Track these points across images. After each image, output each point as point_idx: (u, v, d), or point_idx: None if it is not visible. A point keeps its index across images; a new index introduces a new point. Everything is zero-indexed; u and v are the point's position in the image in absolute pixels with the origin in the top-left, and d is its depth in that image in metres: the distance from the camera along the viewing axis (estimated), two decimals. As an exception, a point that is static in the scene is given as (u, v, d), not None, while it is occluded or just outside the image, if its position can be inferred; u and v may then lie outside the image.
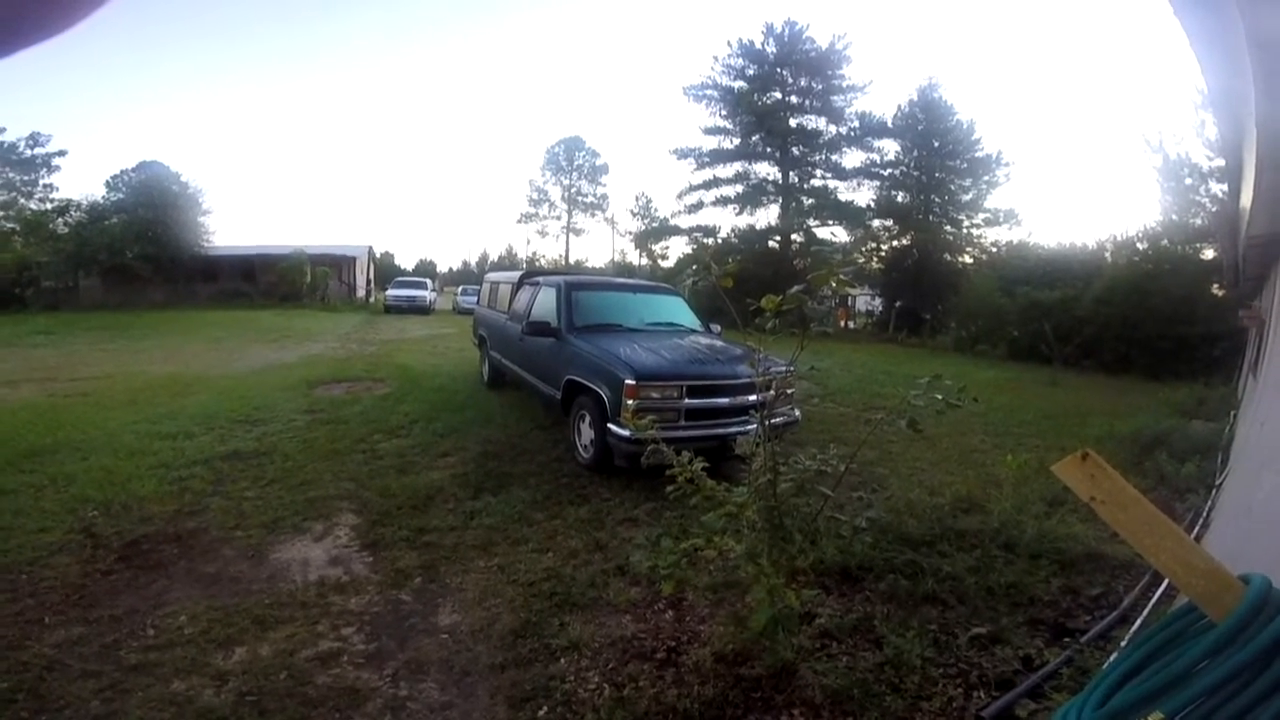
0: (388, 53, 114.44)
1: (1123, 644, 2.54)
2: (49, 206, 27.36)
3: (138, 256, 26.21)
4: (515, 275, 8.22)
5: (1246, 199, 3.31)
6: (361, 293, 35.25)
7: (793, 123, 30.11)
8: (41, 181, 28.17)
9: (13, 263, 23.67)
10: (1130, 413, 7.94)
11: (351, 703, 2.32)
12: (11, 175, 27.35)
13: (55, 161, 28.44)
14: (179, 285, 28.07)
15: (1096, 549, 3.65)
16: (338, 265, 32.32)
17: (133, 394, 7.53)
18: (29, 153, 27.70)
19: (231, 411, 6.67)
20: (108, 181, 29.07)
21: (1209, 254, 15.45)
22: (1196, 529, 3.99)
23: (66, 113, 72.98)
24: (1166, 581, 2.82)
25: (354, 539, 3.74)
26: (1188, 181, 16.83)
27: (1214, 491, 4.57)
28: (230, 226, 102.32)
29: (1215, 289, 14.25)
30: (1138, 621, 2.81)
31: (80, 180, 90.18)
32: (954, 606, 3.06)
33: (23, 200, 27.47)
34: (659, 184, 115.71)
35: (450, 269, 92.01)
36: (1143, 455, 5.78)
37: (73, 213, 27.13)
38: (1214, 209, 14.87)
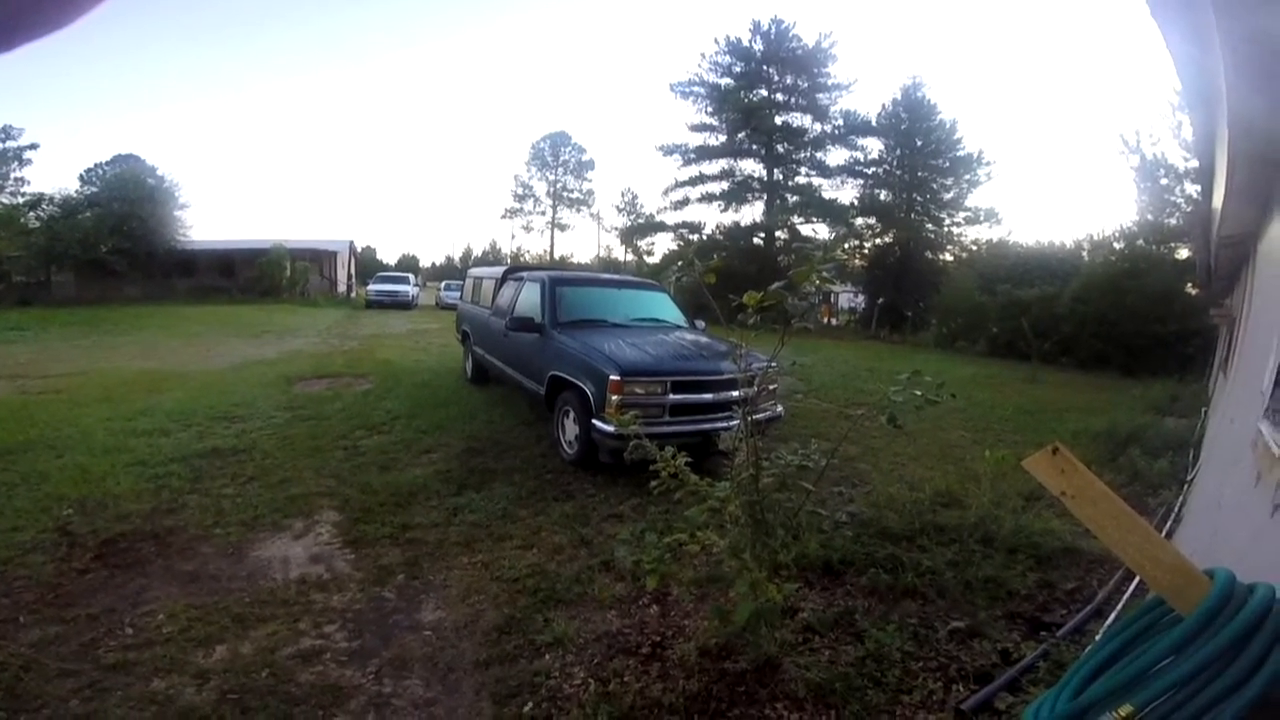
0: (370, 46, 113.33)
1: (1097, 638, 2.59)
2: (20, 200, 26.68)
3: (112, 251, 25.60)
4: (499, 270, 8.17)
5: (1219, 199, 3.39)
6: (343, 288, 34.89)
7: (778, 120, 30.24)
8: (13, 175, 27.52)
9: (-18, 257, 23.13)
10: (1106, 409, 8.09)
11: (335, 700, 2.30)
12: (-19, 169, 26.71)
13: (27, 155, 27.84)
14: (155, 280, 27.54)
15: (1072, 543, 3.72)
16: (318, 260, 31.98)
17: (107, 390, 7.39)
18: (0, 146, 27.02)
19: (210, 408, 6.57)
20: (81, 175, 28.60)
21: (1183, 253, 15.76)
22: (1169, 524, 4.08)
23: (39, 106, 71.36)
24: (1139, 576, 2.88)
25: (335, 536, 3.71)
26: (1163, 182, 17.13)
27: (1186, 487, 4.67)
28: (208, 221, 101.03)
29: (1189, 288, 14.55)
30: (1112, 615, 2.87)
31: (53, 174, 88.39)
32: (933, 600, 3.11)
33: (-7, 194, 26.83)
34: (645, 180, 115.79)
35: (433, 264, 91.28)
36: (1117, 451, 5.89)
37: (45, 206, 26.43)
38: (1188, 209, 15.18)
